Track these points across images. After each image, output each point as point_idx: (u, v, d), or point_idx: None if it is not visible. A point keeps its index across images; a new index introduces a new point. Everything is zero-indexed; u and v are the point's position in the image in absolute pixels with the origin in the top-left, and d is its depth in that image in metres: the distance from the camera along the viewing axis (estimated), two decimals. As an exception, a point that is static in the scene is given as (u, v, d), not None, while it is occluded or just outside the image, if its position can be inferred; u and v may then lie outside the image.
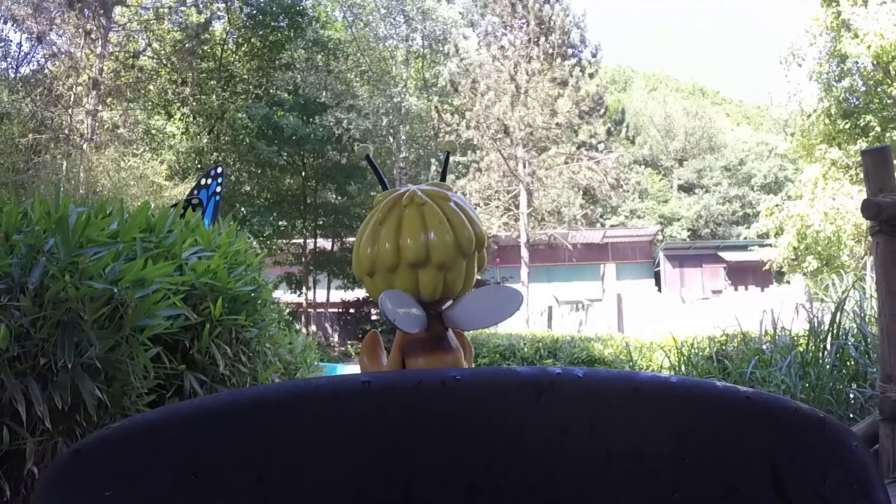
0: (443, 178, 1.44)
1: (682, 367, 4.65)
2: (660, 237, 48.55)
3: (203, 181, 6.36)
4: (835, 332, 3.98)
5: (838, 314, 3.99)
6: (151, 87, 27.69)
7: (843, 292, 4.37)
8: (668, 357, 4.94)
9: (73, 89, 22.74)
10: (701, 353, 4.62)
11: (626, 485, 0.62)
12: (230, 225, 4.30)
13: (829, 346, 3.88)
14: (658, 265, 44.34)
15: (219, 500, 0.60)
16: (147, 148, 26.11)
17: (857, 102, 26.00)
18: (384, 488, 0.60)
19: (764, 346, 4.34)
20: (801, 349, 4.07)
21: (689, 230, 62.08)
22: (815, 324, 4.20)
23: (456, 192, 1.27)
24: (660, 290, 39.22)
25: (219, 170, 6.32)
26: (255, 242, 27.04)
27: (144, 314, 2.23)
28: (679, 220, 63.45)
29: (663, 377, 0.66)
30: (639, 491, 0.62)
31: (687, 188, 67.10)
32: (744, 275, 39.79)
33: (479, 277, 1.36)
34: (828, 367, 3.66)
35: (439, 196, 1.21)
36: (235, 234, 4.15)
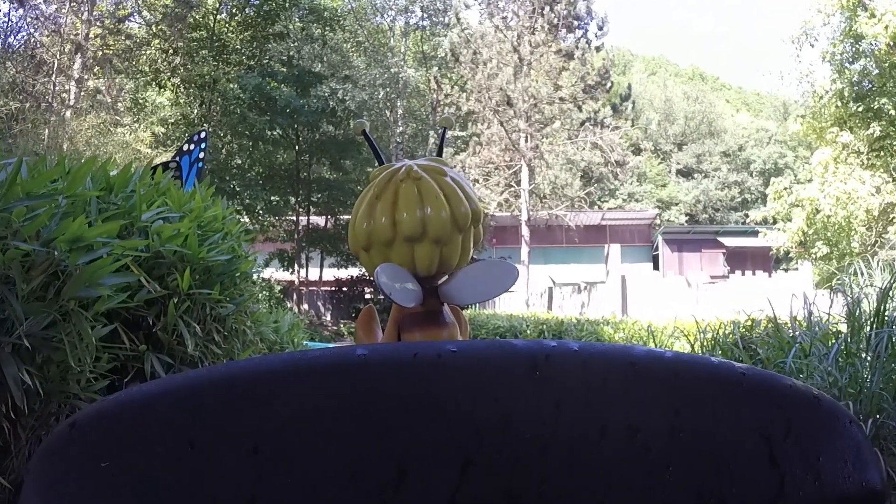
0: (439, 154, 1.50)
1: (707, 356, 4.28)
2: (658, 221, 48.49)
3: (186, 146, 5.99)
4: (879, 319, 3.62)
5: (885, 301, 3.64)
6: (142, 56, 27.27)
7: (892, 277, 4.00)
8: (691, 343, 4.57)
9: (58, 56, 22.33)
10: (726, 340, 4.25)
11: (621, 458, 0.62)
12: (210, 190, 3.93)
13: (872, 336, 3.50)
14: (656, 249, 44.40)
15: (214, 471, 0.60)
16: (135, 118, 25.72)
17: (870, 85, 25.63)
18: (380, 461, 0.60)
19: (796, 334, 3.96)
20: (834, 339, 3.74)
21: (686, 215, 63.06)
22: (851, 311, 3.83)
23: (453, 168, 1.28)
24: (658, 275, 39.15)
25: (202, 134, 5.96)
26: (246, 217, 26.85)
27: (86, 283, 1.85)
28: (677, 204, 64.48)
29: (659, 351, 0.66)
30: (633, 465, 0.62)
31: (685, 173, 68.24)
32: (743, 260, 39.99)
33: (475, 257, 1.32)
34: (876, 358, 3.30)
35: (436, 171, 1.22)
36: (212, 198, 3.79)
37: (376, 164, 1.40)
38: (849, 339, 3.60)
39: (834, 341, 3.71)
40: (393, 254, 1.21)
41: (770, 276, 27.64)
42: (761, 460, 0.66)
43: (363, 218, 1.22)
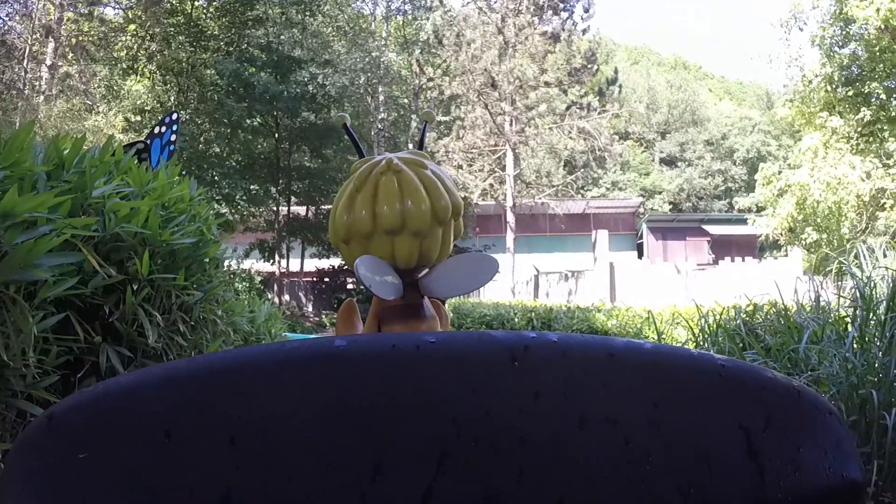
0: (420, 147, 1.45)
1: (708, 342, 4.11)
2: (641, 210, 48.75)
3: (157, 129, 5.73)
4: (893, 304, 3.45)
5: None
6: (118, 43, 26.92)
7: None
8: (693, 330, 4.39)
9: (29, 42, 21.99)
10: (728, 326, 4.07)
11: (600, 450, 0.64)
12: (176, 169, 3.70)
13: (887, 321, 3.33)
14: (641, 237, 44.61)
15: (191, 461, 0.61)
16: (109, 106, 25.39)
17: (859, 70, 25.60)
18: (356, 452, 0.61)
19: (801, 319, 3.79)
20: (844, 324, 3.58)
21: (670, 203, 63.99)
22: (862, 294, 3.66)
23: (434, 160, 1.28)
24: (647, 262, 39.29)
25: (174, 116, 5.70)
26: (225, 207, 26.57)
27: (20, 264, 1.62)
28: (661, 193, 65.42)
29: (638, 343, 0.67)
30: (612, 456, 0.63)
31: (669, 161, 69.31)
32: (728, 248, 40.40)
33: (459, 245, 1.21)
34: (891, 344, 3.13)
35: (416, 164, 1.22)
36: (179, 177, 3.55)
37: (357, 156, 1.39)
38: (866, 325, 3.42)
39: (845, 327, 3.54)
40: (373, 246, 1.21)
41: (759, 262, 27.52)
42: (741, 452, 0.66)
43: (343, 211, 1.23)
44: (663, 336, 4.63)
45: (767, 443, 0.68)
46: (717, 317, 4.28)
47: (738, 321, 4.18)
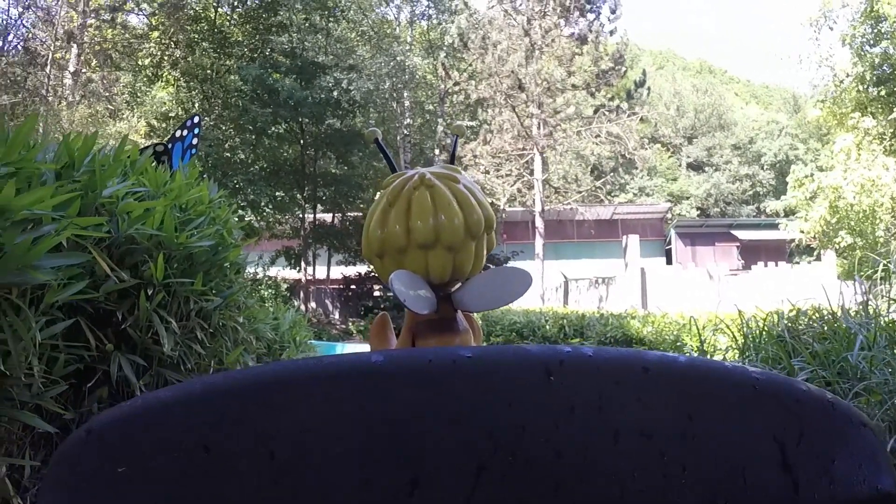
0: (451, 161, 1.46)
1: (752, 350, 3.95)
2: (669, 215, 48.57)
3: (178, 132, 5.64)
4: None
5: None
6: (141, 50, 27.08)
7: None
8: (735, 336, 4.23)
9: (52, 48, 22.14)
10: (772, 332, 3.90)
11: (635, 463, 0.64)
12: (194, 171, 3.58)
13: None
14: (669, 243, 44.42)
15: (231, 476, 0.62)
16: (132, 112, 25.51)
17: (891, 69, 25.24)
18: (394, 468, 0.62)
19: (848, 325, 3.61)
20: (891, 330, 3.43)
21: (698, 209, 63.80)
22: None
23: (465, 175, 1.28)
24: (678, 267, 39.13)
25: (195, 119, 5.62)
26: (250, 214, 26.59)
27: (17, 265, 1.50)
28: (688, 198, 65.54)
29: (672, 356, 0.67)
30: (647, 469, 0.64)
31: (696, 166, 69.23)
32: (757, 253, 40.22)
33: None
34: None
35: (448, 178, 1.23)
36: (198, 179, 3.43)
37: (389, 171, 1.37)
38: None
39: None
40: (406, 261, 1.21)
41: (792, 267, 27.16)
42: (775, 465, 0.66)
43: (376, 226, 1.22)
44: (705, 343, 4.46)
45: (801, 455, 0.68)
46: (761, 323, 4.11)
47: (781, 327, 4.02)
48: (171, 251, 2.57)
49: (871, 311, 3.80)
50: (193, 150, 5.54)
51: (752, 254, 40.82)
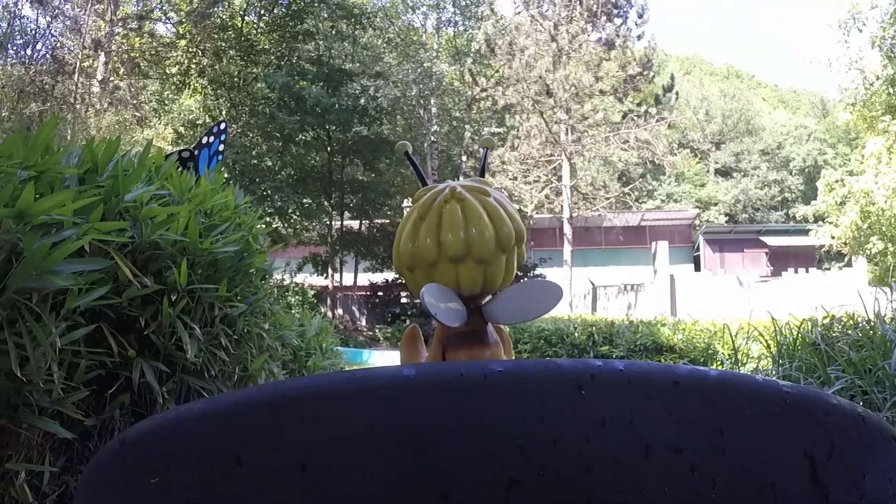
0: (481, 174, 1.45)
1: (786, 358, 3.86)
2: (697, 222, 48.34)
3: (205, 139, 5.65)
4: None
5: None
6: (168, 59, 27.29)
7: None
8: (768, 344, 4.15)
9: (80, 57, 22.36)
10: (807, 340, 3.82)
11: (666, 478, 0.64)
12: (220, 176, 3.57)
13: None
14: (697, 249, 44.20)
15: (262, 488, 0.62)
16: (159, 119, 25.72)
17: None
18: (424, 481, 0.63)
19: (885, 333, 3.53)
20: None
21: (726, 215, 63.35)
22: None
23: (495, 188, 1.28)
24: (708, 274, 38.93)
25: (222, 125, 5.64)
26: (278, 221, 26.68)
27: (35, 270, 1.47)
28: (716, 204, 65.20)
29: (703, 370, 0.68)
30: (678, 484, 0.64)
31: (724, 172, 68.88)
32: (786, 259, 39.93)
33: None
34: None
35: (479, 191, 1.22)
36: (224, 185, 3.41)
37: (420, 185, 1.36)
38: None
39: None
40: (437, 274, 1.20)
41: (823, 273, 26.86)
42: (806, 479, 0.66)
43: (407, 239, 1.21)
44: (738, 351, 4.39)
45: (832, 470, 0.67)
46: (795, 330, 4.02)
47: (815, 335, 3.94)
48: (195, 257, 2.54)
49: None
50: (220, 157, 5.54)
51: (782, 260, 40.50)
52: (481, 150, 1.41)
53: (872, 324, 3.66)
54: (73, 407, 1.99)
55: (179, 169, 3.38)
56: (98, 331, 2.14)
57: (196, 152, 5.46)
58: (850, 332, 3.96)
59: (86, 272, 1.93)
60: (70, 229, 1.75)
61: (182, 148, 5.62)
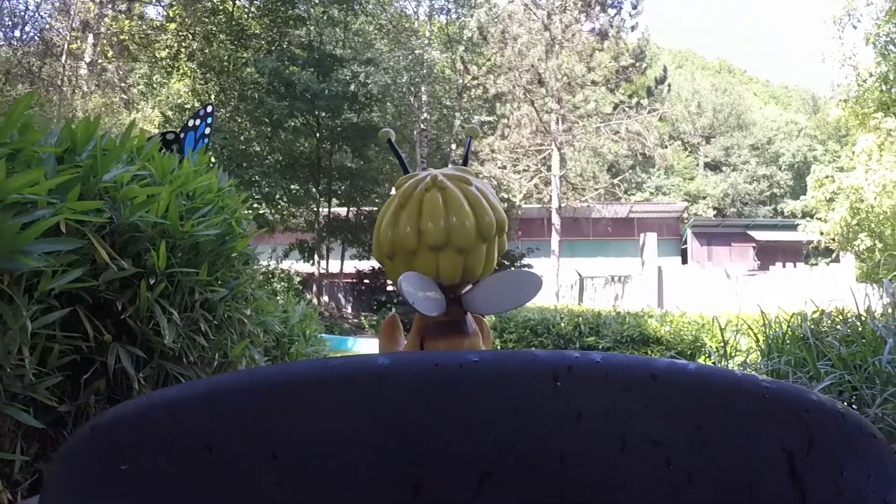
0: (465, 163, 1.47)
1: (775, 352, 3.84)
2: (685, 215, 48.52)
3: (191, 122, 5.60)
4: None
5: None
6: (158, 42, 27.15)
7: None
8: (757, 337, 4.14)
9: (68, 38, 22.22)
10: (796, 334, 3.80)
11: (641, 472, 0.63)
12: (204, 158, 3.50)
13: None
14: (685, 242, 44.38)
15: (233, 476, 0.62)
16: (147, 102, 25.60)
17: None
18: (397, 472, 0.62)
19: (874, 327, 3.51)
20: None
21: (714, 209, 63.79)
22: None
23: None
24: (696, 266, 39.10)
25: (209, 108, 5.58)
26: (265, 207, 26.59)
27: (4, 249, 1.41)
28: (705, 198, 65.63)
29: (682, 363, 0.67)
30: (654, 478, 0.63)
31: (713, 166, 69.41)
32: (773, 254, 40.20)
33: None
34: None
35: (461, 180, 1.24)
36: (207, 167, 3.35)
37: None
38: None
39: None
40: (417, 262, 1.21)
41: (811, 268, 26.95)
42: (783, 475, 0.65)
43: (387, 227, 1.22)
44: (728, 345, 4.38)
45: (810, 466, 0.66)
46: (785, 324, 4.00)
47: (804, 329, 3.92)
48: (175, 240, 2.49)
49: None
50: (206, 140, 5.49)
51: (769, 255, 40.70)
52: (466, 139, 1.40)
53: (863, 319, 3.64)
54: (47, 393, 1.94)
55: (163, 150, 3.33)
56: (74, 314, 2.09)
57: (182, 135, 5.40)
58: (839, 327, 3.95)
59: (62, 253, 1.88)
60: (44, 209, 1.69)
61: (166, 130, 5.56)
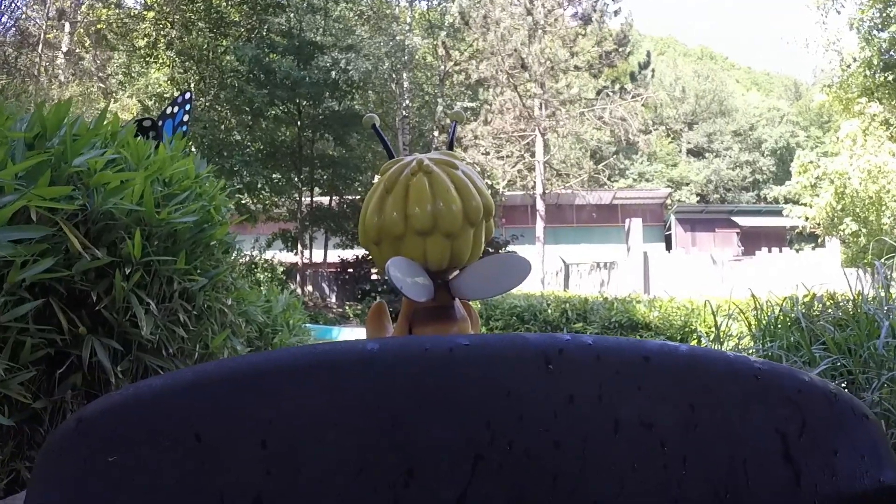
0: (450, 147, 1.44)
1: (767, 336, 3.82)
2: (669, 201, 48.73)
3: (169, 109, 5.51)
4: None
5: None
6: (136, 30, 26.95)
7: None
8: (749, 322, 4.12)
9: (44, 28, 22.04)
10: (788, 318, 3.77)
11: (635, 454, 0.64)
12: (181, 143, 3.42)
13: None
14: (669, 228, 44.58)
15: (222, 465, 0.62)
16: (125, 92, 25.43)
17: (897, 54, 25.12)
18: (389, 457, 0.62)
19: (867, 311, 3.49)
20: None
21: (698, 195, 64.26)
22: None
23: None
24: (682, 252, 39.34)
25: (187, 95, 5.51)
26: (246, 196, 26.46)
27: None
28: (688, 184, 65.75)
29: (673, 345, 0.68)
30: (648, 460, 0.64)
31: (696, 152, 69.93)
32: (757, 239, 40.40)
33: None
34: None
35: (447, 164, 1.23)
36: (184, 152, 3.27)
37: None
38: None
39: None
40: (404, 248, 1.20)
41: (797, 253, 27.07)
42: (777, 457, 0.67)
43: (374, 212, 1.21)
44: (721, 329, 4.35)
45: (804, 447, 0.68)
46: (776, 309, 3.98)
47: (796, 314, 3.89)
48: (151, 227, 2.42)
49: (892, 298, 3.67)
50: (184, 128, 5.41)
51: (753, 240, 40.89)
52: (451, 123, 1.36)
53: (856, 303, 3.61)
54: (21, 388, 1.88)
55: (139, 137, 3.25)
56: (47, 306, 2.02)
57: (160, 123, 5.32)
58: (830, 311, 3.92)
59: (32, 242, 1.81)
60: (10, 195, 1.62)
61: (143, 116, 5.47)
